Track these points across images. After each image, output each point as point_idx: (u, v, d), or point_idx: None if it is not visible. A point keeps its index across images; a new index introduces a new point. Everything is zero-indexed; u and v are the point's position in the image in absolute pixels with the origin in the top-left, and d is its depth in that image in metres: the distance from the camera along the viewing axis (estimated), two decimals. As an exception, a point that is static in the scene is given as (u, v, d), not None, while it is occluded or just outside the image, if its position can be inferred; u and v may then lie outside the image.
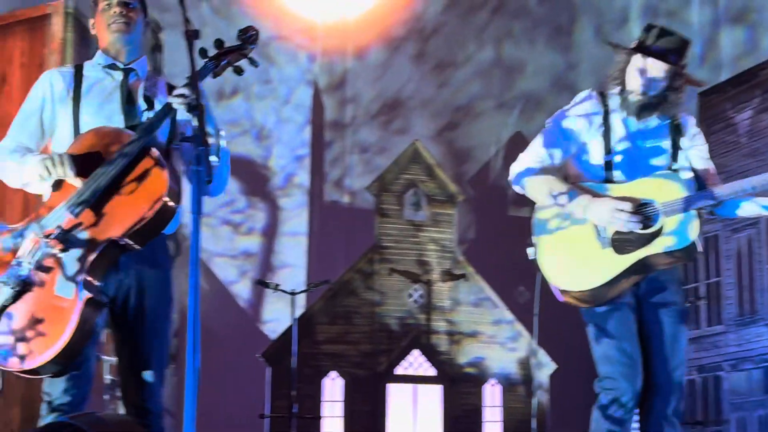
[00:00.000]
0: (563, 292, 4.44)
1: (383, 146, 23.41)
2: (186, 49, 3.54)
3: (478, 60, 24.01)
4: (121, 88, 4.17)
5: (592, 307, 4.42)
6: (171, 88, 4.21)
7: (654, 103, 4.40)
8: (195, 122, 3.56)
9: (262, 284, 13.28)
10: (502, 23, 23.61)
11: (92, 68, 4.22)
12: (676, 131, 4.54)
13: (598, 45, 20.52)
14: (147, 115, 4.09)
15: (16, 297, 3.74)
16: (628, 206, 4.29)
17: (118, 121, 4.08)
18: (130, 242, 3.83)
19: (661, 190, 4.34)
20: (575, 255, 4.44)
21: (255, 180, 23.56)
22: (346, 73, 23.71)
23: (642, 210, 4.33)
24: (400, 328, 19.48)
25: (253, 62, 4.03)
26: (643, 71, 4.35)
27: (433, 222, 20.15)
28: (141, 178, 3.82)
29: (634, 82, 4.40)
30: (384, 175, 20.30)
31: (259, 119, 23.32)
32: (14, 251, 3.87)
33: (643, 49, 4.36)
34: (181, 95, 3.73)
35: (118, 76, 4.19)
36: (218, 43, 3.92)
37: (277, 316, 20.75)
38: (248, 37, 4.02)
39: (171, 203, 3.84)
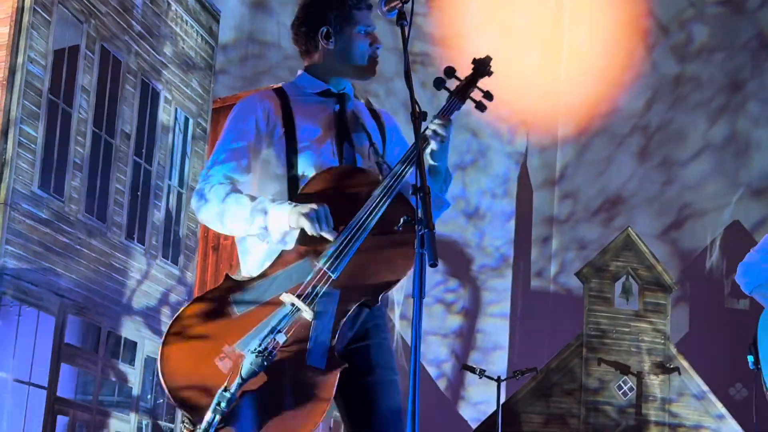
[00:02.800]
0: None
1: (603, 243, 23.05)
2: (413, 131, 3.33)
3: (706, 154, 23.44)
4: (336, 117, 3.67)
5: None
6: (373, 112, 3.81)
7: None
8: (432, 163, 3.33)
9: (468, 369, 13.07)
10: (728, 120, 23.00)
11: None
12: None
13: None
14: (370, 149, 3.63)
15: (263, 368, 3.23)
16: None
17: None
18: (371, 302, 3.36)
19: None
20: None
21: (464, 260, 23.56)
22: (565, 168, 23.55)
23: None
24: (608, 420, 18.90)
25: (489, 96, 3.60)
26: None
27: (645, 312, 19.54)
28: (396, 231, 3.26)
29: None
30: (594, 261, 19.89)
31: (474, 200, 23.42)
32: (253, 315, 3.32)
33: None
34: (435, 132, 3.42)
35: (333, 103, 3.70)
36: (450, 71, 3.55)
37: (481, 400, 20.53)
38: (487, 68, 3.63)
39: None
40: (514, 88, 21.96)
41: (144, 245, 14.15)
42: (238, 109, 3.64)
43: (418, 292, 3.00)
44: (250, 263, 3.53)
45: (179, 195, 15.24)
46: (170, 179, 14.92)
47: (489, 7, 23.63)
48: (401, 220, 3.17)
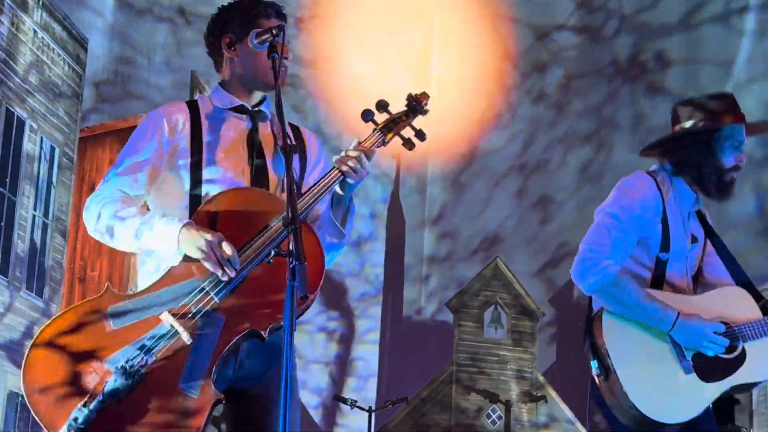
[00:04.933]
0: (643, 419, 3.89)
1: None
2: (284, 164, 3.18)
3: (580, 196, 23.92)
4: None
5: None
6: (296, 132, 3.60)
7: None
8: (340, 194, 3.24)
9: (339, 400, 13.06)
10: (598, 151, 23.53)
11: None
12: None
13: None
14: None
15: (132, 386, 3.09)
16: (721, 328, 3.94)
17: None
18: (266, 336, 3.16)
19: (738, 304, 4.03)
20: (658, 378, 3.97)
21: (343, 288, 23.54)
22: (444, 208, 23.76)
23: (729, 330, 3.97)
24: (476, 448, 19.08)
25: (420, 136, 3.46)
26: None
27: (513, 340, 19.83)
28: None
29: None
30: (464, 291, 20.11)
31: (358, 228, 23.43)
32: (132, 329, 3.16)
33: None
34: (357, 160, 3.26)
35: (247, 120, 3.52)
36: (383, 105, 3.41)
37: (357, 428, 20.48)
38: (422, 106, 3.48)
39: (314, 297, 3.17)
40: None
41: (7, 277, 13.76)
42: (144, 121, 3.48)
43: (288, 324, 2.85)
44: (141, 278, 3.39)
45: (44, 226, 14.88)
46: (35, 210, 14.57)
47: (360, 30, 23.76)
48: (272, 252, 3.03)
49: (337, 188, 3.32)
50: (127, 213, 3.31)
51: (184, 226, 3.19)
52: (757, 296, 4.13)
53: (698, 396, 3.93)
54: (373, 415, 12.32)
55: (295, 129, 3.63)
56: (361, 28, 23.14)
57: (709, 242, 4.25)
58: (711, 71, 15.86)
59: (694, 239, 4.18)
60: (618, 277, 3.93)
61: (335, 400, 14.99)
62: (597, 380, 3.93)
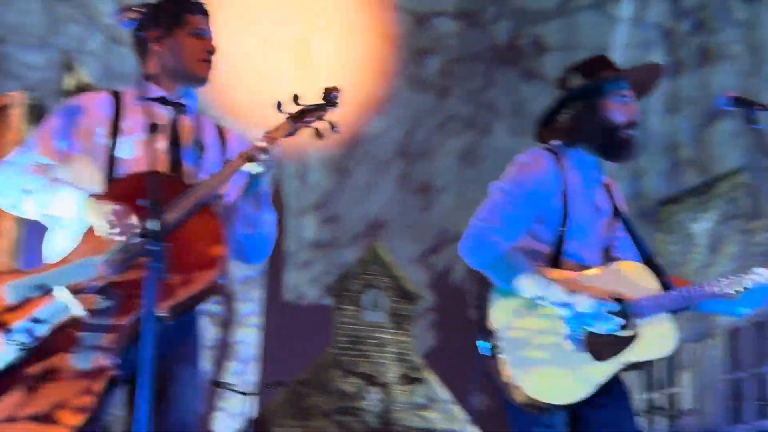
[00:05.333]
0: (531, 400, 3.84)
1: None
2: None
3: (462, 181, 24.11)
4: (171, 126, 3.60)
5: (544, 414, 3.90)
6: (220, 131, 3.75)
7: None
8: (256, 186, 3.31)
9: (217, 384, 12.96)
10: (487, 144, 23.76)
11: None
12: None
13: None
14: (201, 162, 3.58)
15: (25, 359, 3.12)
16: (614, 306, 3.85)
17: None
18: (167, 317, 3.19)
19: (636, 280, 3.97)
20: (547, 358, 3.89)
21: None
22: (327, 194, 23.75)
23: (622, 307, 3.88)
24: (353, 429, 19.14)
25: (333, 127, 3.59)
26: None
27: (392, 323, 19.94)
28: (199, 244, 3.21)
29: None
30: (343, 274, 20.15)
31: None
32: (29, 303, 3.21)
33: None
34: (263, 151, 3.38)
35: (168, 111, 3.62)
36: (295, 98, 3.54)
37: (239, 412, 20.36)
38: (333, 98, 3.61)
39: (223, 281, 3.25)
40: (269, 92, 22.01)
41: None
42: (65, 105, 3.56)
43: (149, 309, 2.89)
44: (47, 252, 3.44)
45: None
46: None
47: (243, 13, 23.53)
48: (138, 233, 3.10)
49: (251, 176, 3.41)
50: (34, 177, 3.38)
51: (91, 195, 3.27)
52: (659, 272, 4.08)
53: (589, 375, 3.86)
54: (251, 398, 12.25)
55: (220, 128, 3.76)
56: (245, 10, 22.97)
57: (618, 218, 4.19)
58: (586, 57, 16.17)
59: (601, 212, 4.15)
60: (507, 253, 3.87)
61: (213, 385, 14.88)
62: (487, 360, 3.86)
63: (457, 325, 21.90)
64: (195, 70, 3.57)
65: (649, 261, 4.10)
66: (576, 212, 4.03)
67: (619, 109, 4.04)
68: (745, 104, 3.99)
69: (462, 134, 23.27)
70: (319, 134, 3.57)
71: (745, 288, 3.98)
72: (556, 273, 3.93)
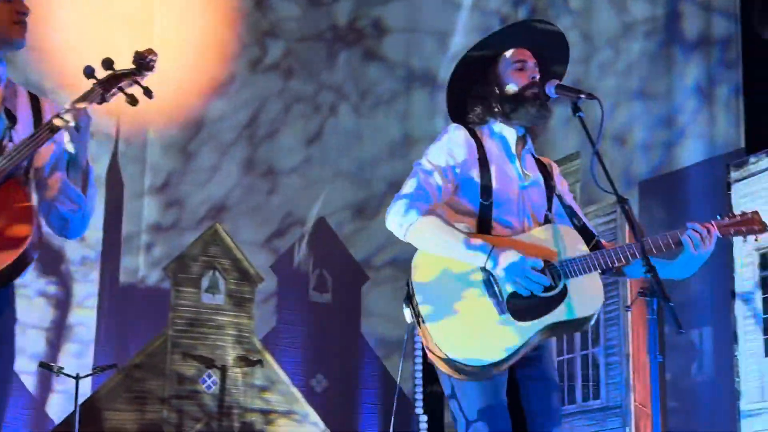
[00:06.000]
0: (448, 361, 3.88)
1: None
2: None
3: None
4: None
5: (471, 381, 3.93)
6: (35, 101, 3.62)
7: None
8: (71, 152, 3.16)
9: (44, 367, 12.62)
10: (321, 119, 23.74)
11: None
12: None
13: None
14: (11, 133, 3.47)
15: None
16: (539, 263, 3.91)
17: None
18: None
19: (563, 242, 4.01)
20: (469, 321, 3.92)
21: (60, 254, 22.79)
22: (169, 176, 23.35)
23: (548, 267, 3.94)
24: (193, 413, 18.94)
25: (148, 93, 3.53)
26: None
27: (231, 306, 19.78)
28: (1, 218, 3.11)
29: None
30: (181, 256, 19.89)
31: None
32: None
33: None
34: (67, 120, 3.27)
35: None
36: (107, 63, 3.47)
37: (63, 401, 19.91)
38: (147, 62, 3.53)
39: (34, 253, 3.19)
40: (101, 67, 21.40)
41: None
42: None
43: None
44: None
45: None
46: None
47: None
48: None
49: (69, 148, 3.33)
50: None
51: None
52: (589, 236, 4.14)
53: (511, 336, 3.86)
54: (80, 381, 12.00)
55: (35, 98, 3.63)
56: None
57: (552, 191, 4.26)
58: (428, 41, 16.23)
59: (529, 181, 4.18)
60: (429, 218, 3.94)
61: (41, 366, 14.49)
62: (413, 327, 3.92)
63: (298, 308, 21.87)
64: (8, 33, 3.40)
65: (581, 228, 4.18)
66: (499, 182, 4.08)
67: (516, 75, 4.18)
68: (569, 92, 4.09)
69: (306, 116, 23.20)
70: (132, 99, 3.47)
71: (666, 248, 4.02)
72: (482, 237, 3.97)
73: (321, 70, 21.59)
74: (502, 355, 3.83)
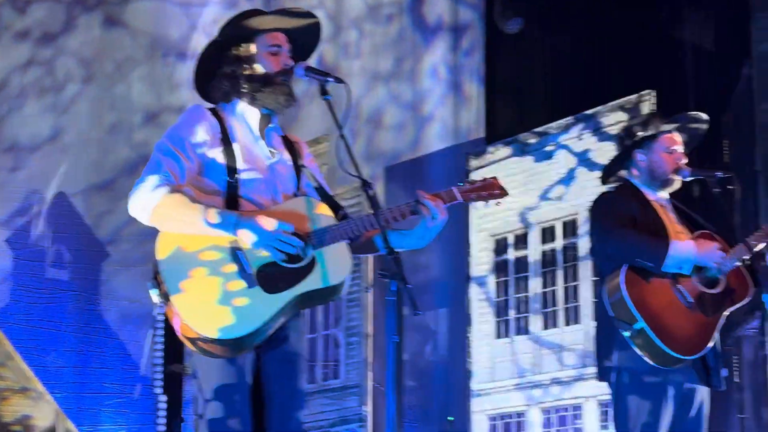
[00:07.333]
0: (198, 340, 3.79)
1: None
2: None
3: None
4: None
5: (217, 357, 3.84)
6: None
7: None
8: None
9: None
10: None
11: None
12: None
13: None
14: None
15: None
16: (290, 227, 3.92)
17: None
18: None
19: (312, 213, 4.02)
20: (215, 295, 3.83)
21: None
22: None
23: (298, 236, 3.93)
24: None
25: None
26: None
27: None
28: None
29: None
30: None
31: None
32: None
33: None
34: None
35: None
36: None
37: None
38: None
39: None
40: None
41: None
42: None
43: None
44: None
45: None
46: None
47: None
48: None
49: None
50: None
51: None
52: (335, 207, 4.15)
53: (262, 308, 3.82)
54: None
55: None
56: None
57: (301, 170, 4.28)
58: (176, 10, 15.86)
59: (273, 156, 4.17)
60: (172, 196, 3.89)
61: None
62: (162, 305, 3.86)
63: (33, 285, 21.17)
64: None
65: (327, 200, 4.18)
66: (244, 160, 4.08)
67: (269, 59, 4.19)
68: (318, 74, 4.16)
69: (45, 85, 22.50)
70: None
71: (403, 216, 4.08)
72: (229, 211, 3.96)
73: (57, 33, 20.88)
74: (253, 326, 3.79)
